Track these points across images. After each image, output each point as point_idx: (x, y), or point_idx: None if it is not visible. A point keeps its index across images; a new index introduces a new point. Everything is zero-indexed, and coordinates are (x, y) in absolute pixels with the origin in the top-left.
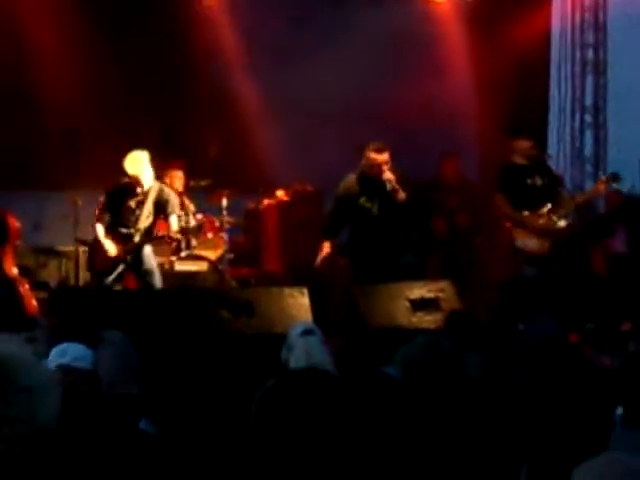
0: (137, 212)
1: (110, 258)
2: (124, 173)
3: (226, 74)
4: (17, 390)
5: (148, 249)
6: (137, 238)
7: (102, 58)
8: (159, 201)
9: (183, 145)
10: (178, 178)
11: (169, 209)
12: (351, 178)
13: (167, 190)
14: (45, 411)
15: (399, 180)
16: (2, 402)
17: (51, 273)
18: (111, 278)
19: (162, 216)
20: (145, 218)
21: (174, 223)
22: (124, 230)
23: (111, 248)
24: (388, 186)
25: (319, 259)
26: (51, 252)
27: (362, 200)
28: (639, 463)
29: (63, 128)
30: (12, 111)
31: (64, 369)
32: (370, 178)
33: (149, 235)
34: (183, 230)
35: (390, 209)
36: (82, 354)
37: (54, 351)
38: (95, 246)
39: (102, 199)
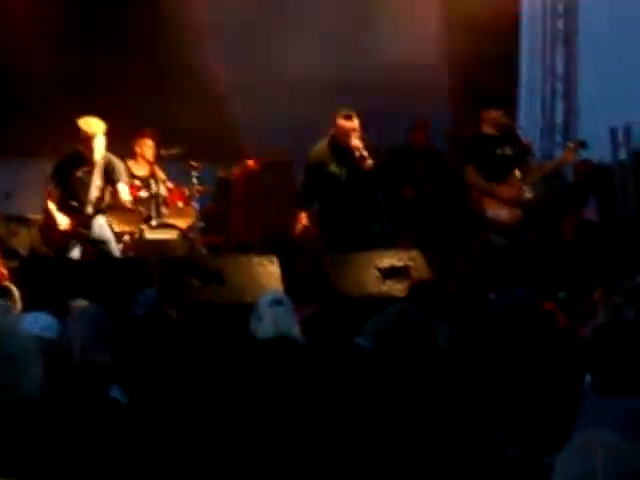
0: (86, 182)
1: (63, 232)
2: (76, 140)
3: (198, 44)
4: (1, 359)
5: (102, 219)
6: (89, 210)
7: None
8: (106, 169)
9: (154, 115)
10: (148, 147)
11: (116, 176)
12: (322, 145)
13: (114, 158)
14: (29, 380)
15: (367, 147)
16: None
17: (22, 242)
18: (75, 250)
19: (111, 186)
20: (95, 188)
21: (124, 191)
22: (74, 202)
23: (63, 222)
24: (356, 153)
25: (297, 229)
26: (21, 220)
27: (332, 167)
28: (616, 439)
29: (32, 97)
30: None
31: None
32: (339, 145)
33: (99, 205)
34: (154, 197)
35: (359, 176)
36: (49, 324)
37: (24, 320)
38: (47, 219)
39: (49, 171)
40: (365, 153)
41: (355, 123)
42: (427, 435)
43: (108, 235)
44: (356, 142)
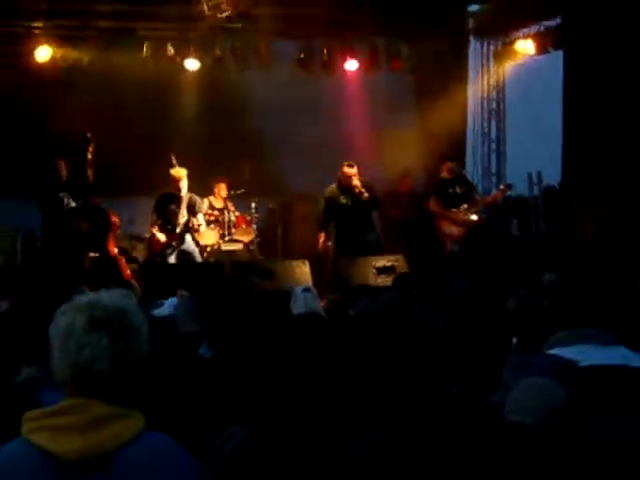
0: (176, 213)
1: (161, 244)
2: (171, 184)
3: (254, 122)
4: (133, 329)
5: (189, 237)
6: (178, 230)
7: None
8: (190, 205)
9: (226, 167)
10: (223, 189)
11: (196, 209)
12: (333, 185)
13: (195, 196)
14: (146, 345)
15: (363, 185)
16: (125, 338)
17: (139, 252)
18: (172, 257)
19: (192, 215)
20: (182, 217)
21: (200, 219)
22: (169, 226)
23: (161, 238)
24: (356, 189)
25: (319, 243)
26: (139, 238)
27: (341, 199)
28: (545, 380)
29: (151, 157)
30: (113, 138)
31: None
32: (344, 184)
33: (186, 228)
34: (222, 224)
35: (359, 204)
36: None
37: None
38: (152, 237)
39: (153, 205)
40: (362, 189)
41: (354, 170)
42: (400, 382)
43: (193, 248)
44: (355, 182)
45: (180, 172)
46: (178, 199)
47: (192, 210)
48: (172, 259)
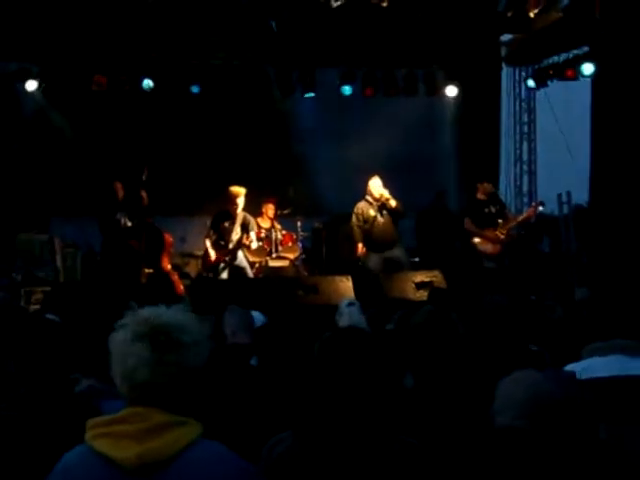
0: (230, 230)
1: (214, 260)
2: (228, 202)
3: (299, 146)
4: (179, 343)
5: (241, 253)
6: (231, 247)
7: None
8: (244, 223)
9: (273, 189)
10: (270, 209)
11: (249, 228)
12: (361, 203)
13: (249, 216)
14: (197, 359)
15: (390, 194)
16: (169, 351)
17: (191, 269)
18: (224, 273)
19: (245, 233)
20: (235, 234)
21: (253, 238)
22: (222, 242)
23: (212, 254)
24: (382, 199)
25: (359, 254)
26: (191, 255)
27: (370, 211)
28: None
29: (202, 178)
30: (166, 162)
31: None
32: (371, 196)
33: (238, 245)
34: (269, 242)
35: (387, 214)
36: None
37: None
38: (205, 253)
39: (208, 223)
40: (389, 196)
41: (379, 181)
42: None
43: (245, 264)
44: (382, 191)
45: (239, 190)
46: (233, 217)
47: (245, 228)
48: (225, 275)
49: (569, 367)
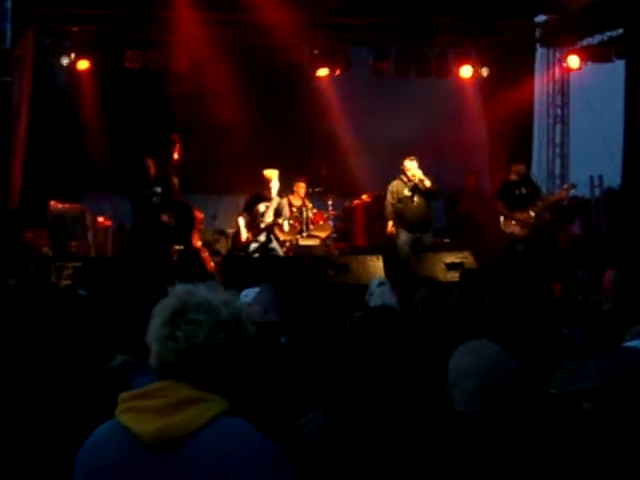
0: (263, 213)
1: (245, 240)
2: (261, 184)
3: (332, 124)
4: (203, 320)
5: (271, 235)
6: (263, 228)
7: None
8: (277, 207)
9: (305, 167)
10: (302, 187)
11: (282, 213)
12: (397, 179)
13: (282, 201)
14: (223, 336)
15: (425, 174)
16: (195, 328)
17: (222, 246)
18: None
19: (278, 218)
20: (268, 217)
21: (285, 223)
22: (255, 223)
23: (244, 234)
24: (417, 179)
25: (389, 232)
26: (222, 233)
27: (404, 191)
28: (484, 343)
29: (234, 156)
30: (198, 140)
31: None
32: (406, 176)
33: (271, 227)
34: (300, 220)
35: (422, 193)
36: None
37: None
38: (237, 232)
39: (242, 203)
40: (423, 177)
41: (415, 163)
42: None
43: (275, 245)
44: (417, 172)
45: (272, 173)
46: (268, 200)
47: (278, 214)
48: (257, 254)
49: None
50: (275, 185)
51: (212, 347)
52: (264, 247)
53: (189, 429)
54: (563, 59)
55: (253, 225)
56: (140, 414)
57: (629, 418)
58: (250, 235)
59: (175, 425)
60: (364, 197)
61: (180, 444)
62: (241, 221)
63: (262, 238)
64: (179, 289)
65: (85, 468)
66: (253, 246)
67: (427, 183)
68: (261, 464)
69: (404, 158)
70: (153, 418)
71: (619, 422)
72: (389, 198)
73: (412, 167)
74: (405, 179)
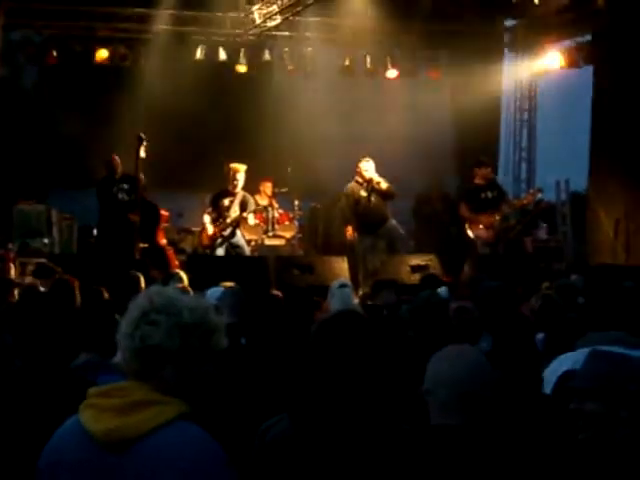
0: (228, 208)
1: (210, 236)
2: (227, 178)
3: (298, 124)
4: (159, 323)
5: (238, 232)
6: (228, 224)
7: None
8: (243, 202)
9: (270, 167)
10: (268, 187)
11: (248, 207)
12: (351, 183)
13: (248, 195)
14: (178, 341)
15: (380, 177)
16: (151, 331)
17: (187, 244)
18: (220, 249)
19: (243, 211)
20: (233, 212)
21: (250, 218)
22: (220, 219)
23: (210, 229)
24: (373, 181)
25: (348, 237)
26: (188, 231)
27: (360, 192)
28: (462, 348)
29: (200, 154)
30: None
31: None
32: (362, 178)
33: (236, 221)
34: (266, 220)
35: (376, 195)
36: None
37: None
38: (203, 229)
39: (208, 200)
40: (378, 179)
41: (370, 164)
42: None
43: (242, 242)
44: (373, 174)
45: (239, 166)
46: (233, 195)
47: (244, 207)
48: (221, 251)
49: (564, 357)
50: (241, 178)
51: (167, 350)
52: (229, 243)
53: (140, 431)
54: (531, 64)
55: (218, 221)
56: (97, 412)
57: (613, 425)
58: (217, 230)
59: (126, 426)
60: (327, 199)
61: (131, 446)
62: (207, 218)
63: (226, 233)
64: (152, 289)
65: (45, 460)
66: (218, 242)
67: (383, 185)
68: (207, 473)
69: (376, 163)
70: (108, 417)
71: (604, 430)
72: (344, 201)
73: (368, 167)
74: (361, 180)
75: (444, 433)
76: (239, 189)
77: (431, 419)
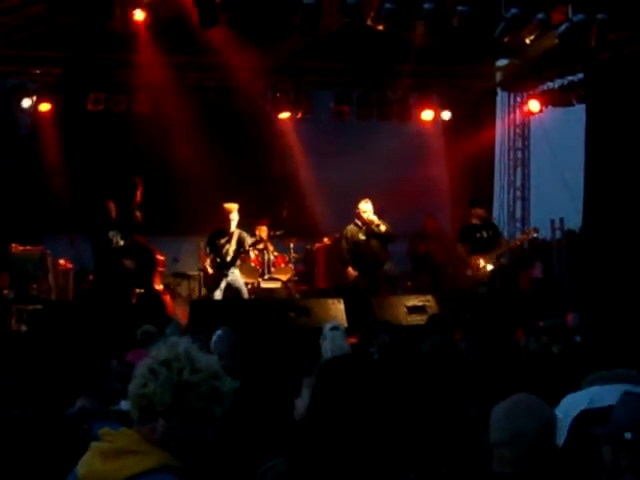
0: (226, 247)
1: (213, 276)
2: (221, 220)
3: (293, 166)
4: (154, 379)
5: (236, 271)
6: (227, 263)
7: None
8: (239, 239)
9: (266, 209)
10: (264, 231)
11: (246, 245)
12: (350, 225)
13: (244, 233)
14: (169, 397)
15: (380, 218)
16: (146, 385)
17: (184, 289)
18: (217, 291)
19: (241, 249)
20: (231, 251)
21: (251, 251)
22: (218, 259)
23: (210, 271)
24: (373, 224)
25: (351, 278)
26: (184, 276)
27: (359, 235)
28: (533, 399)
29: (195, 199)
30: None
31: None
32: (361, 220)
33: (233, 262)
34: (262, 263)
35: (375, 238)
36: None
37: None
38: (205, 272)
39: (203, 244)
40: (378, 221)
41: (370, 206)
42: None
43: (241, 284)
44: (372, 216)
45: (231, 206)
46: (229, 234)
47: (241, 244)
48: (219, 294)
49: (571, 396)
50: (235, 217)
51: (158, 403)
52: (229, 285)
53: (116, 478)
54: (524, 103)
55: (217, 262)
56: (89, 456)
57: None
58: (214, 272)
59: (104, 472)
60: (325, 240)
61: None
62: (207, 261)
63: (228, 272)
64: (172, 339)
65: None
66: (222, 285)
67: (382, 228)
68: None
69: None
70: (94, 462)
71: None
72: (344, 244)
73: (367, 209)
74: (360, 223)
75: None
76: (234, 228)
77: (494, 468)
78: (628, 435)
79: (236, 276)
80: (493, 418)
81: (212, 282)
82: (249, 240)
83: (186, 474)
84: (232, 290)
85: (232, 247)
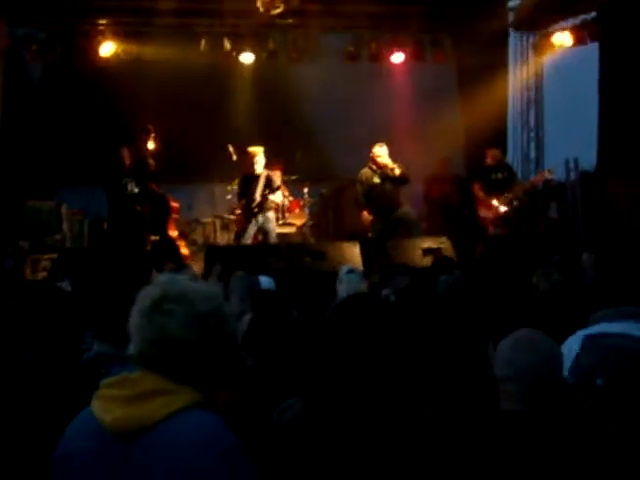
0: (253, 190)
1: (240, 221)
2: (247, 164)
3: (306, 110)
4: (172, 313)
5: (269, 215)
6: (255, 207)
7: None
8: (267, 180)
9: (280, 155)
10: (278, 175)
11: (273, 185)
12: (364, 169)
13: (272, 173)
14: (191, 331)
15: (394, 162)
16: (164, 321)
17: (198, 235)
18: (247, 236)
19: (271, 191)
20: (259, 194)
21: (278, 195)
22: (251, 203)
23: (242, 215)
24: (388, 167)
25: (365, 220)
26: (197, 222)
27: (374, 179)
28: (537, 334)
29: (209, 146)
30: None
31: None
32: (376, 164)
33: (262, 205)
34: (278, 208)
35: (390, 181)
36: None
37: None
38: (237, 220)
39: (238, 187)
40: (393, 165)
41: (385, 149)
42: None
43: (270, 227)
44: (386, 160)
45: (256, 149)
46: (255, 178)
47: (270, 186)
48: (250, 233)
49: (579, 333)
50: (260, 160)
51: (184, 340)
52: (259, 228)
53: (151, 420)
54: (537, 43)
55: (245, 205)
56: (108, 402)
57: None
58: (244, 216)
59: (135, 416)
60: (338, 184)
61: (142, 435)
62: (239, 210)
63: (258, 219)
64: (163, 278)
65: (60, 451)
66: (251, 232)
67: (397, 171)
68: (217, 463)
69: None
70: (118, 407)
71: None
72: (358, 187)
73: (382, 153)
74: (374, 167)
75: (519, 419)
76: (261, 170)
77: (502, 404)
78: (599, 381)
79: (267, 218)
80: (498, 353)
81: (238, 224)
82: (276, 181)
83: (213, 407)
84: (260, 233)
85: (259, 189)
